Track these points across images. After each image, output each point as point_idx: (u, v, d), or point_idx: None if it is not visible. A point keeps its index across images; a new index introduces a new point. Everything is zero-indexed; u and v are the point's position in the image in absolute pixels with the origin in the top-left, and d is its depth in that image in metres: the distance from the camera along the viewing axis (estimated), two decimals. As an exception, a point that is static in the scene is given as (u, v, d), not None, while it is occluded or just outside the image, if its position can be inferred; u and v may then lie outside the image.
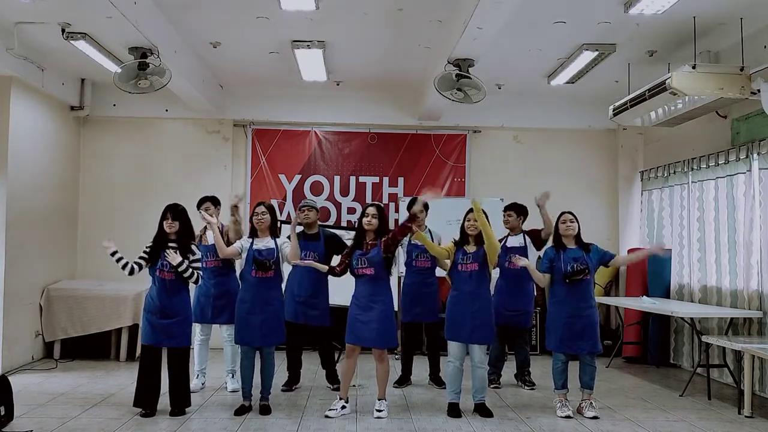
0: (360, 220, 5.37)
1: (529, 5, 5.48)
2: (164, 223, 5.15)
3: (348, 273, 5.33)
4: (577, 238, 5.44)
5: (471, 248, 5.35)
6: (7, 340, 6.69)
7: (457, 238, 5.47)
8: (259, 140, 8.75)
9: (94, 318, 7.40)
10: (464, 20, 5.37)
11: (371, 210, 5.28)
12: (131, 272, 5.11)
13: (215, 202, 6.03)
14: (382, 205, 5.55)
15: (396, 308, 6.77)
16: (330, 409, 5.26)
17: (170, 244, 5.12)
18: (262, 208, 5.39)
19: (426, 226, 6.25)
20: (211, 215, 5.66)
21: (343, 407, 5.27)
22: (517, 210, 6.37)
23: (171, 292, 5.10)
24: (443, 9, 5.78)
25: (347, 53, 7.07)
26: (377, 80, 8.15)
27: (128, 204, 8.34)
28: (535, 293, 6.53)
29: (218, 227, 5.79)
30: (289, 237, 5.38)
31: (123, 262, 5.10)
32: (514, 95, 8.55)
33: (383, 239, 5.21)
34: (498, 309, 6.09)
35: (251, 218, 5.44)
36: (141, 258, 5.13)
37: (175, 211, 5.17)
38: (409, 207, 5.60)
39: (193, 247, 5.22)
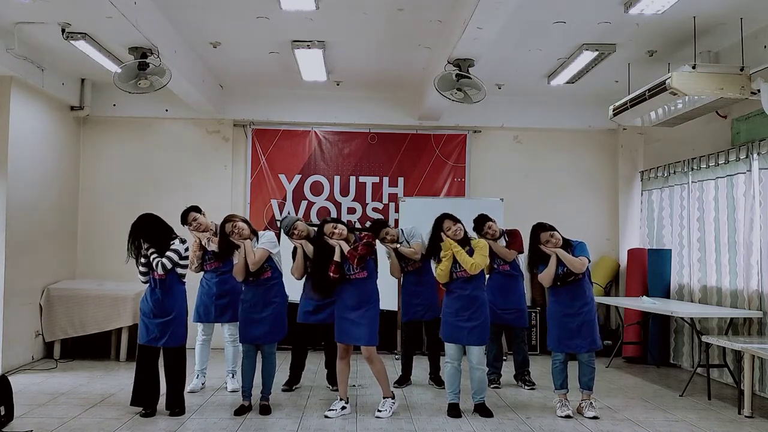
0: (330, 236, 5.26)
1: (529, 5, 5.48)
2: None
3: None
4: (563, 242, 5.39)
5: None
6: (7, 340, 6.69)
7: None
8: (259, 140, 8.75)
9: (94, 318, 7.40)
10: (464, 20, 5.37)
11: (338, 226, 5.26)
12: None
13: (198, 210, 5.93)
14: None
15: (396, 308, 6.81)
16: (330, 410, 5.26)
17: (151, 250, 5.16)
18: (234, 225, 5.29)
19: (401, 229, 6.30)
20: (200, 223, 5.82)
21: (344, 407, 5.27)
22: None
23: (162, 292, 5.11)
24: (443, 9, 5.78)
25: (347, 53, 7.07)
26: (377, 80, 8.15)
27: (128, 204, 8.30)
28: (529, 292, 6.52)
29: (213, 228, 5.83)
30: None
31: (142, 270, 5.18)
32: (514, 95, 8.55)
33: (355, 246, 5.18)
34: (491, 308, 6.10)
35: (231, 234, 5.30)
36: (144, 266, 5.17)
37: (136, 234, 5.20)
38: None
39: (178, 247, 5.15)
